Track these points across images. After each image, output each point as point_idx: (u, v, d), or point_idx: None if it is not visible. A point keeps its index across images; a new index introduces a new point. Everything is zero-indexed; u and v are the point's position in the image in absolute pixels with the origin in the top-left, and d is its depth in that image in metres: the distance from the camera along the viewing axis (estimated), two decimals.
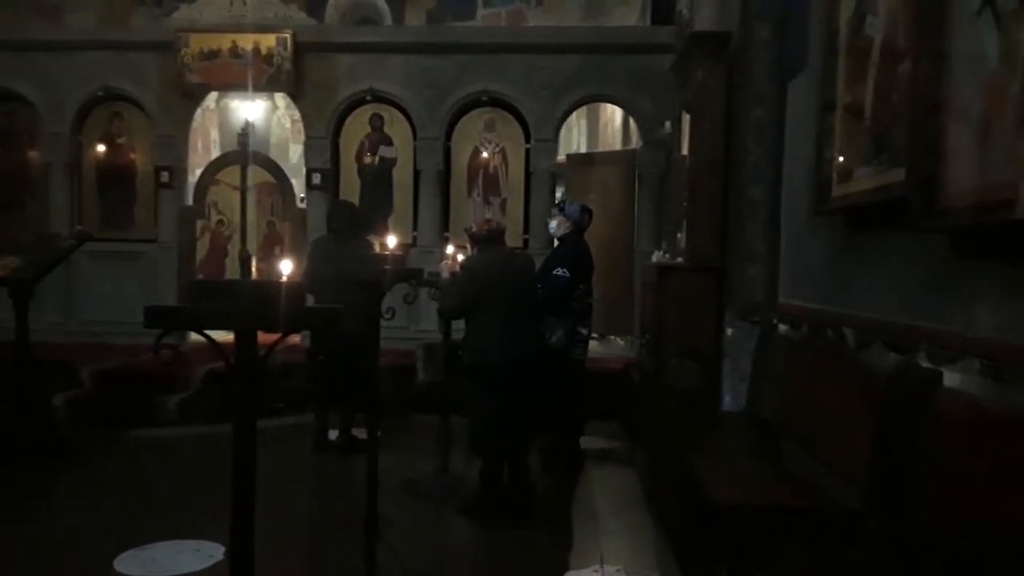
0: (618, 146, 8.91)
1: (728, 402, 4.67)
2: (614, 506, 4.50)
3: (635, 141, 7.98)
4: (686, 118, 5.94)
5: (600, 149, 9.50)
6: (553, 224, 5.30)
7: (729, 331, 4.88)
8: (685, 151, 5.91)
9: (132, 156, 7.74)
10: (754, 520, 2.64)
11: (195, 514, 4.03)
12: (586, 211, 5.25)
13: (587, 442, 5.43)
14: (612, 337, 7.84)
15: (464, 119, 7.61)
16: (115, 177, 7.74)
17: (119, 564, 3.43)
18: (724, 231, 5.19)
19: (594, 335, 6.50)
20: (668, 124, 6.97)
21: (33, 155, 7.75)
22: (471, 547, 4.08)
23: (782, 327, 3.96)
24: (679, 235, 6.02)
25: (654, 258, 6.15)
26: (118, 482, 4.74)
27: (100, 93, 7.61)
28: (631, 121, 8.02)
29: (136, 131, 7.72)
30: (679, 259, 5.74)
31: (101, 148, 7.72)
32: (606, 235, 7.08)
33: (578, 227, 5.19)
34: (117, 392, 6.32)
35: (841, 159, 3.14)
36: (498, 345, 4.12)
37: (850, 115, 3.07)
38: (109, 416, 5.93)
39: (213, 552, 3.55)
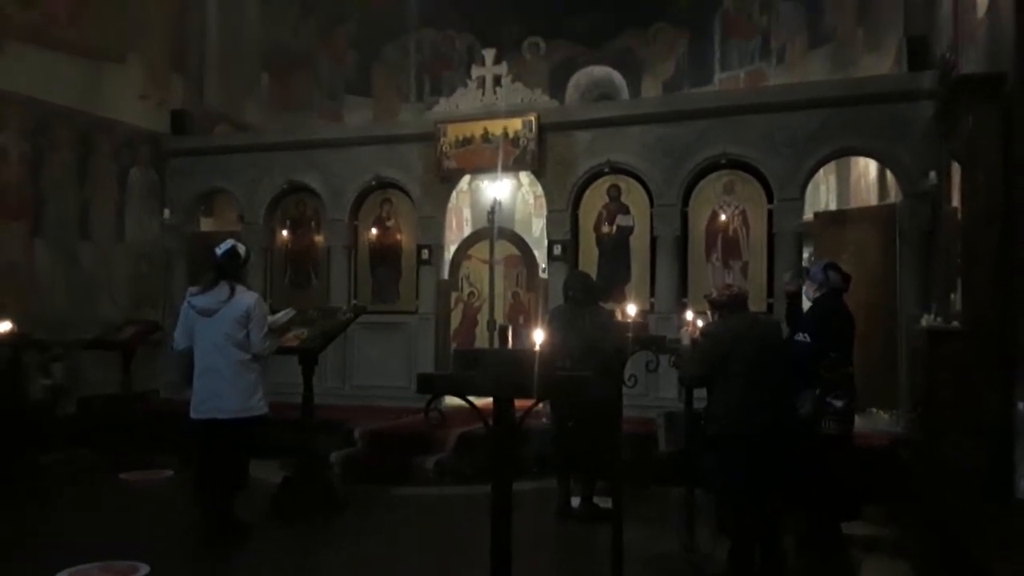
0: (873, 201, 8.28)
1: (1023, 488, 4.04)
2: None
3: (894, 195, 7.37)
4: (955, 168, 5.43)
5: (852, 205, 8.88)
6: (804, 288, 4.93)
7: (1021, 405, 4.25)
8: (956, 203, 5.39)
9: (398, 236, 8.66)
10: None
11: (447, 570, 4.26)
12: (831, 268, 4.74)
13: (850, 527, 4.93)
14: (874, 410, 7.12)
15: (702, 183, 7.53)
16: (384, 256, 8.68)
17: None
18: (1008, 291, 4.59)
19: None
20: (932, 175, 6.38)
21: (318, 239, 8.94)
22: None
23: None
24: (952, 296, 5.44)
25: (923, 322, 5.58)
26: (382, 537, 5.13)
27: (373, 182, 8.63)
28: (888, 174, 7.45)
29: (402, 214, 8.63)
30: (953, 323, 5.16)
31: (373, 231, 8.72)
32: (864, 298, 6.53)
33: (830, 288, 4.76)
34: (382, 451, 6.91)
35: None
36: (742, 415, 3.94)
37: None
38: (375, 473, 6.48)
39: None
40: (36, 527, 5.32)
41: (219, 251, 4.77)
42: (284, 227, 9.07)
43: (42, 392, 7.77)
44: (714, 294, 4.33)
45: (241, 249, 4.83)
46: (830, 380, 4.51)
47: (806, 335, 4.49)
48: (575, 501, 5.42)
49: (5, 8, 7.72)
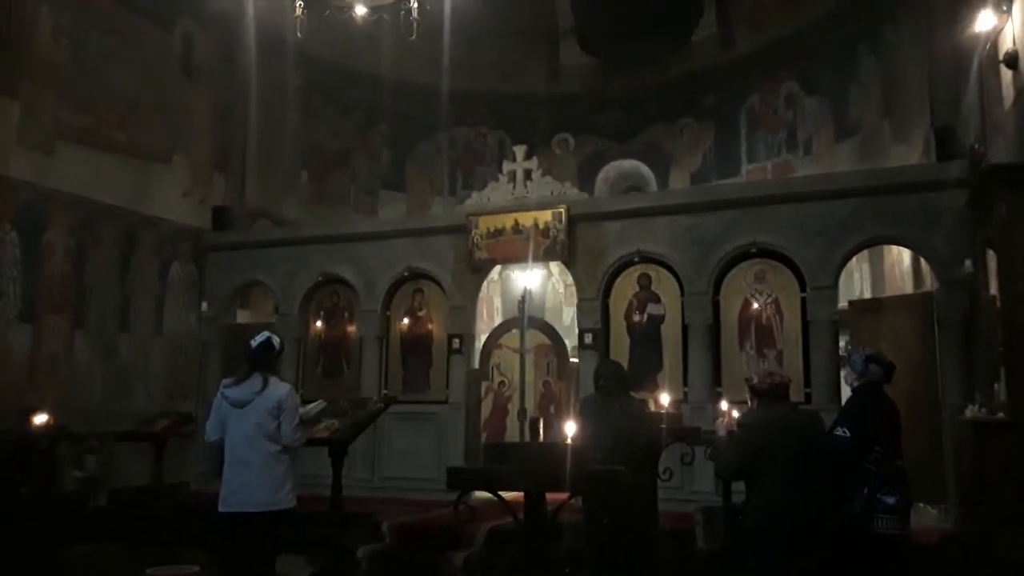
0: (908, 289, 8.18)
1: None
2: None
3: (929, 283, 7.28)
4: (991, 255, 5.38)
5: (888, 293, 8.78)
6: (843, 375, 4.84)
7: None
8: (994, 291, 5.31)
9: (430, 326, 8.72)
10: None
11: None
12: (873, 360, 4.53)
13: None
14: (920, 505, 6.81)
15: (732, 272, 7.54)
16: (416, 345, 8.73)
17: None
18: None
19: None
20: (968, 263, 6.31)
21: (351, 329, 9.03)
22: None
23: None
24: (996, 386, 5.28)
25: (968, 413, 5.40)
26: None
27: (405, 273, 8.76)
28: (922, 261, 7.39)
29: (433, 304, 8.72)
30: (999, 414, 4.99)
31: (405, 321, 8.80)
32: (904, 388, 6.32)
33: (868, 378, 4.62)
34: (411, 547, 6.73)
35: None
36: (782, 511, 3.78)
37: None
38: (403, 570, 6.30)
39: None
40: None
41: (254, 343, 4.81)
42: (318, 318, 9.19)
43: (74, 484, 7.78)
44: (755, 380, 4.18)
45: (276, 341, 4.87)
46: (879, 475, 4.31)
47: (845, 429, 4.33)
48: None
49: (60, 113, 8.18)
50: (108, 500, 8.10)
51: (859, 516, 4.18)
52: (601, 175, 13.17)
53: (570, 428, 1.79)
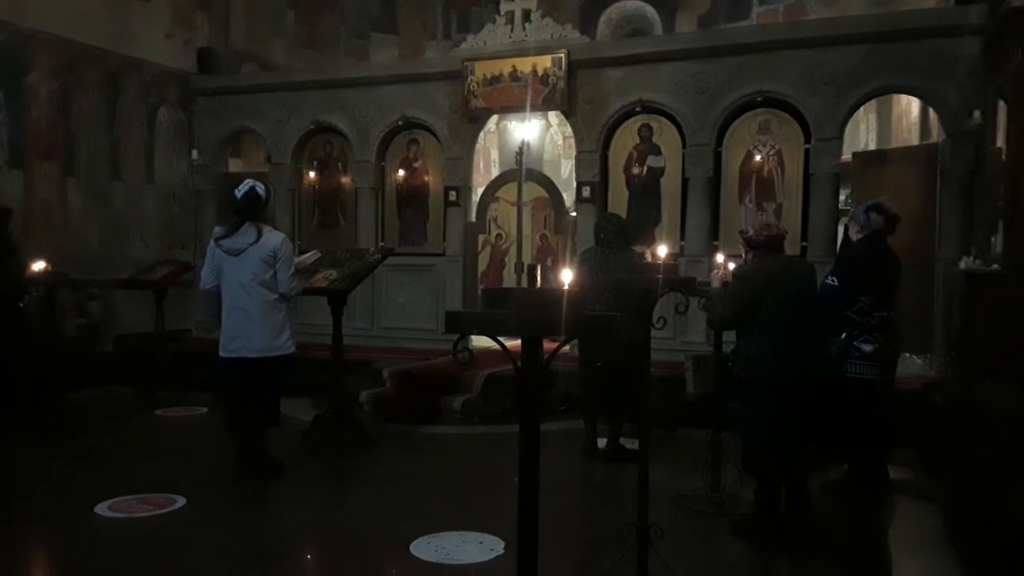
0: (915, 141, 8.01)
1: None
2: (910, 543, 4.04)
3: (936, 134, 7.12)
4: (1001, 106, 5.22)
5: (893, 145, 8.61)
6: (848, 229, 4.86)
7: None
8: (1000, 143, 5.20)
9: (426, 178, 8.59)
10: None
11: (474, 507, 4.34)
12: (873, 210, 4.58)
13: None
14: (907, 354, 7.03)
15: (736, 123, 7.34)
16: (411, 197, 8.64)
17: (414, 549, 3.77)
18: None
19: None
20: (977, 114, 6.14)
21: (345, 180, 8.90)
22: (745, 570, 3.89)
23: None
24: (993, 239, 5.29)
25: (962, 265, 5.44)
26: (410, 474, 5.21)
27: (400, 122, 8.52)
28: (930, 113, 7.19)
29: (429, 155, 8.54)
30: (994, 266, 5.03)
31: (401, 172, 8.66)
32: (901, 240, 6.34)
33: (870, 230, 4.64)
34: (411, 391, 7.00)
35: None
36: (772, 359, 3.87)
37: None
38: (403, 413, 6.58)
39: (494, 546, 3.77)
40: (77, 461, 5.48)
41: (239, 193, 4.76)
42: (311, 168, 9.04)
43: (78, 330, 7.96)
44: (750, 232, 4.13)
45: (260, 189, 4.81)
46: (860, 324, 4.45)
47: (833, 279, 4.45)
48: (602, 442, 5.45)
49: None
50: (114, 346, 8.31)
51: (834, 361, 4.40)
52: (604, 17, 12.51)
53: (567, 275, 1.78)
